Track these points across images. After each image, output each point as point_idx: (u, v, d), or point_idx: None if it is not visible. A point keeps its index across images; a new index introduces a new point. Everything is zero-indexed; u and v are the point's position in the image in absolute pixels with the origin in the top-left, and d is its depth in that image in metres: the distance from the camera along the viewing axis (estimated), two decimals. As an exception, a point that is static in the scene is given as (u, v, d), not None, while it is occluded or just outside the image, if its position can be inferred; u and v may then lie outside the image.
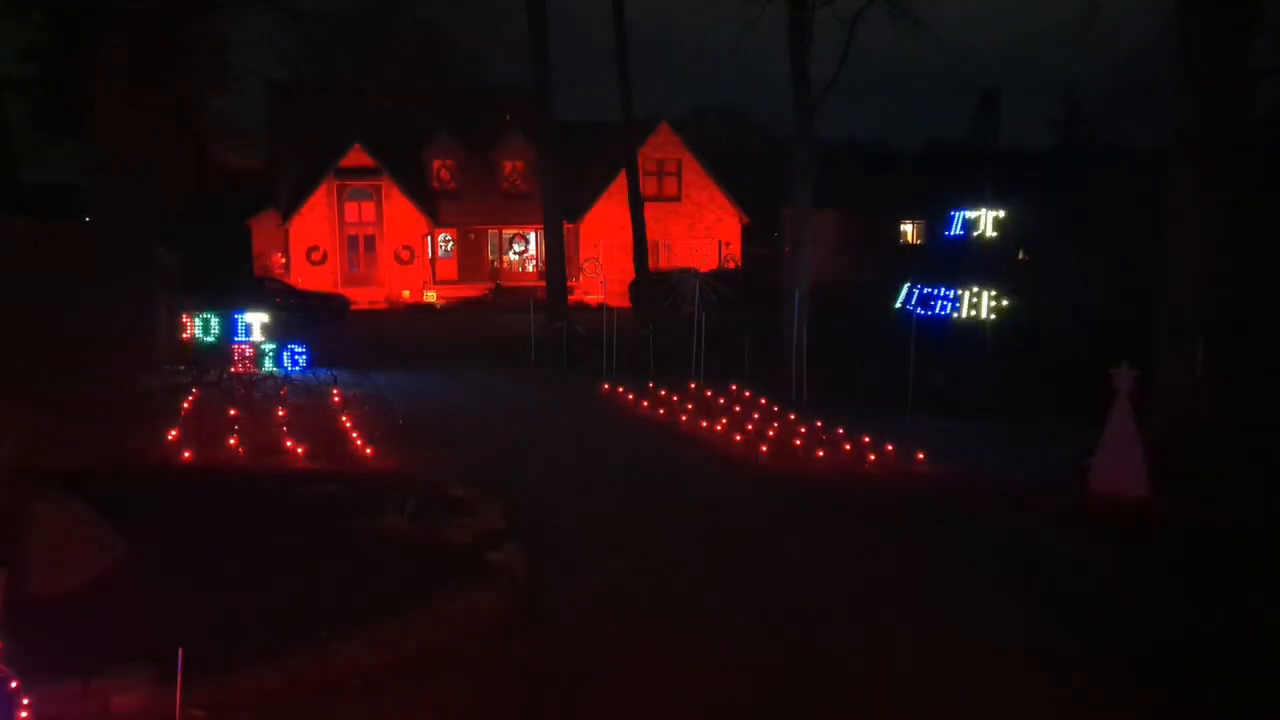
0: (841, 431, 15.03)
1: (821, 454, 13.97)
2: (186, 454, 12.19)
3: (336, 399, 17.06)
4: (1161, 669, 7.07)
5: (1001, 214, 20.78)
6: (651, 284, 37.16)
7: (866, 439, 14.44)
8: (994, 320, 19.13)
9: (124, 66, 17.29)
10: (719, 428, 15.79)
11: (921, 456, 13.65)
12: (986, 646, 7.38)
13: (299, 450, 12.83)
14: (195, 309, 21.59)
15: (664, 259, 44.96)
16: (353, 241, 45.65)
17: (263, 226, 46.95)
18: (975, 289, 19.87)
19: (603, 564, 9.12)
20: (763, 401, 17.73)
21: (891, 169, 51.04)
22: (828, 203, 41.47)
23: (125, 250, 17.65)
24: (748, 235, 48.58)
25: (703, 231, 47.42)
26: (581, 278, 44.80)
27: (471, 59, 41.35)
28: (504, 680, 6.73)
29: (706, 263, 44.55)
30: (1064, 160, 45.62)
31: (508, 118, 47.51)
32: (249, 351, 19.52)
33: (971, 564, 9.26)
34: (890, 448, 14.07)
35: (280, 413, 15.32)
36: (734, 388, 18.88)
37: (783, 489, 12.22)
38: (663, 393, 18.61)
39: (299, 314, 32.58)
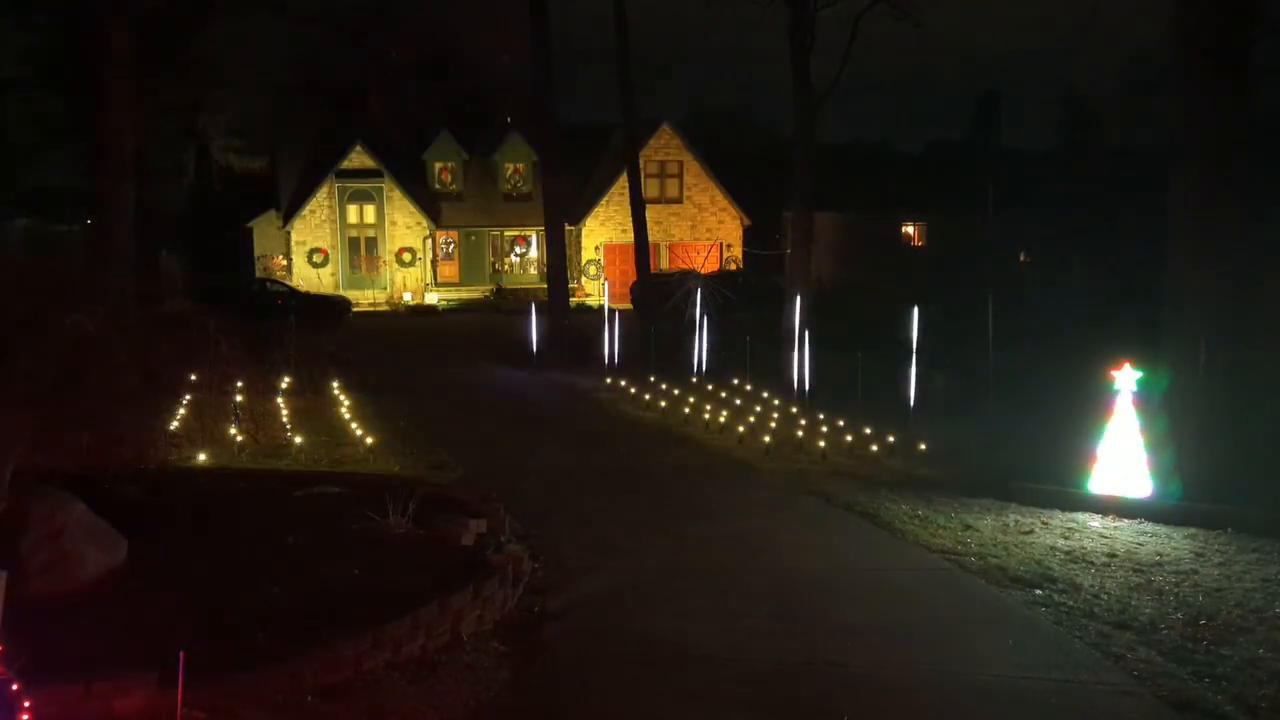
0: (843, 432, 15.04)
1: (823, 455, 13.98)
2: (188, 455, 12.20)
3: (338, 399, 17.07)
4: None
5: None
6: (653, 286, 37.14)
7: (868, 439, 14.44)
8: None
9: (126, 68, 17.29)
10: (721, 429, 15.79)
11: (923, 456, 13.67)
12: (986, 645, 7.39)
13: (301, 452, 12.84)
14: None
15: (665, 261, 44.98)
16: (354, 243, 45.68)
17: (264, 228, 46.98)
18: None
19: (605, 565, 9.12)
20: (764, 403, 17.73)
21: (894, 170, 50.95)
22: (829, 204, 41.44)
23: (127, 252, 17.65)
24: (749, 237, 48.57)
25: (704, 233, 47.42)
26: (583, 280, 44.79)
27: (472, 61, 41.44)
28: (506, 681, 6.73)
29: (708, 264, 44.56)
30: (1066, 161, 45.58)
31: (509, 119, 47.54)
32: None
33: (971, 563, 9.23)
34: (891, 449, 14.08)
35: (282, 414, 15.33)
36: (736, 389, 18.88)
37: (785, 490, 12.22)
38: (665, 395, 18.60)
39: (300, 316, 32.56)
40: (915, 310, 16.72)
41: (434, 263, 46.18)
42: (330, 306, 36.49)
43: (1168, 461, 11.36)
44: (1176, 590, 8.54)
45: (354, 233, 45.46)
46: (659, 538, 10.05)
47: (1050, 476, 11.94)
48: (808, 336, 18.47)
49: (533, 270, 46.63)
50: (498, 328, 32.70)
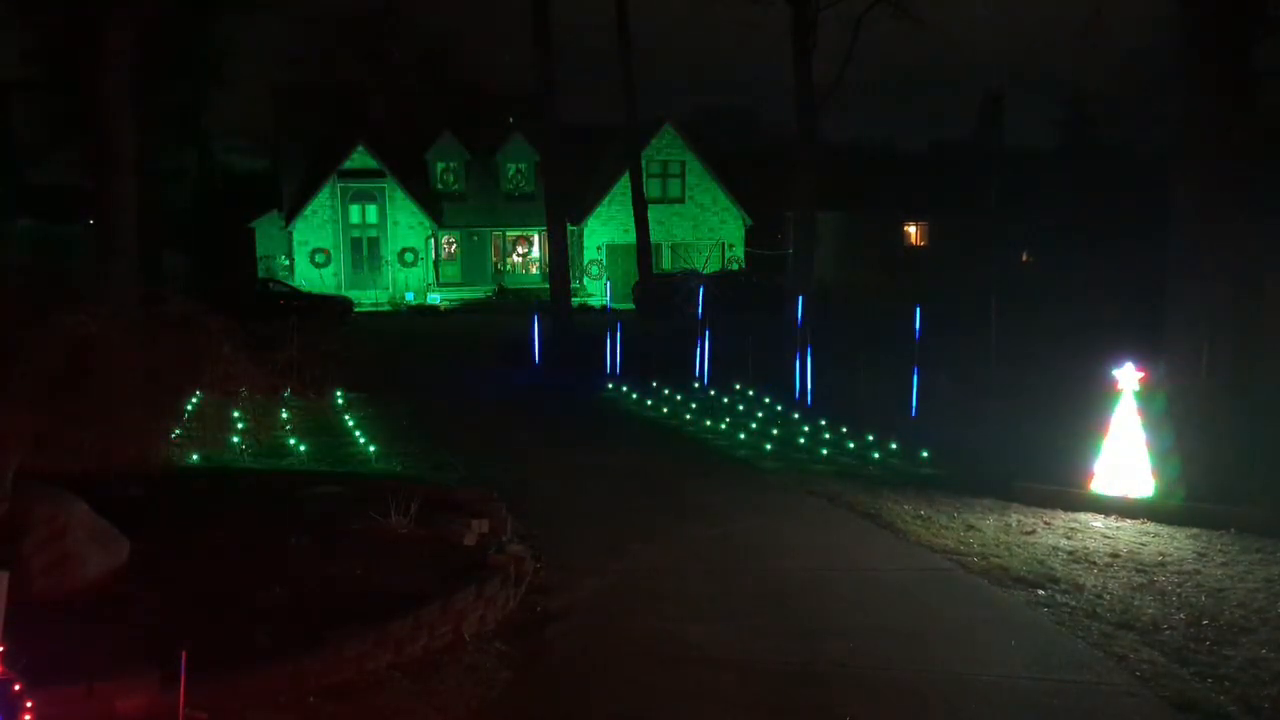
0: (845, 433, 15.04)
1: (825, 455, 13.98)
2: (190, 456, 12.20)
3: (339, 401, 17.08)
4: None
5: None
6: (655, 286, 37.18)
7: (870, 440, 14.44)
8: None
9: (130, 68, 17.30)
10: (722, 429, 15.79)
11: (925, 457, 13.67)
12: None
13: (303, 452, 12.85)
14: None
15: (668, 261, 45.00)
16: (356, 243, 45.72)
17: (267, 228, 47.04)
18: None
19: (607, 565, 9.13)
20: (766, 403, 17.73)
21: (896, 170, 50.95)
22: (832, 204, 41.55)
23: (129, 252, 17.65)
24: (751, 237, 48.58)
25: (706, 233, 47.45)
26: (585, 280, 44.81)
27: (474, 60, 41.58)
28: (508, 681, 6.73)
29: (710, 264, 44.56)
30: (1067, 160, 45.56)
31: (511, 119, 47.57)
32: None
33: (974, 563, 9.23)
34: (894, 449, 14.08)
35: (284, 414, 15.33)
36: (738, 389, 18.88)
37: (787, 490, 12.21)
38: (666, 394, 18.61)
39: (302, 316, 32.59)
40: (918, 310, 16.71)
41: (436, 263, 46.21)
42: (332, 307, 36.50)
43: (1171, 461, 11.35)
44: (1179, 590, 8.54)
45: (356, 233, 45.49)
46: (661, 538, 10.05)
47: (1052, 476, 11.93)
48: (810, 336, 18.47)
49: (535, 270, 46.67)
50: (500, 328, 32.71)
